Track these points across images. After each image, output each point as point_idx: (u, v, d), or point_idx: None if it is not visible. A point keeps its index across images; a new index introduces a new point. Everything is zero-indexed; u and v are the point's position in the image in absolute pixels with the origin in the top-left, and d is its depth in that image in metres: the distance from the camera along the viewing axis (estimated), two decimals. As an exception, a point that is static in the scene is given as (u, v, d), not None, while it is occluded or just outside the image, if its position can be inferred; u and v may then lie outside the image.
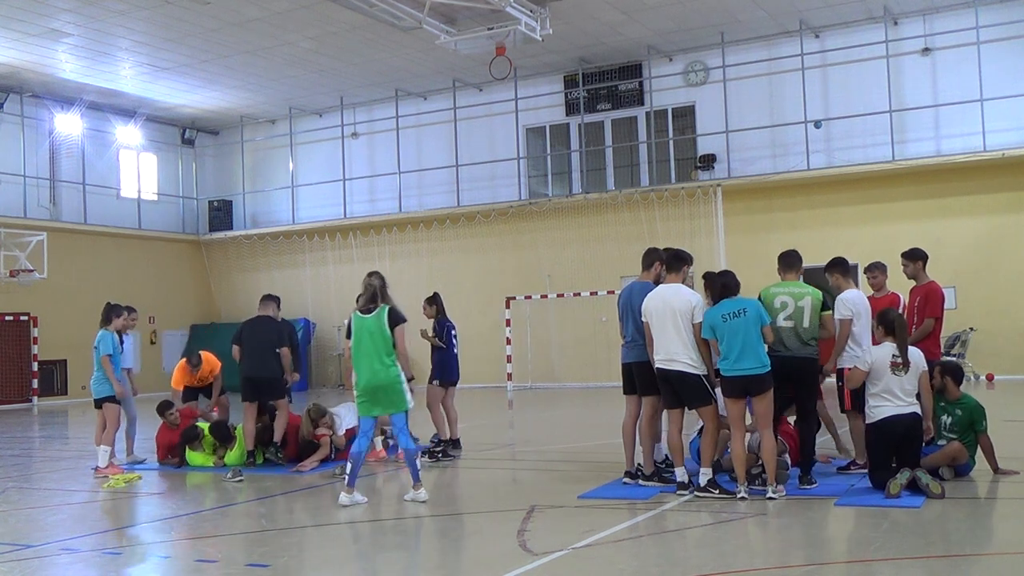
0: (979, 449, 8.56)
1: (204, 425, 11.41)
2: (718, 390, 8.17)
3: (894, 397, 8.05)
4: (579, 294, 23.68)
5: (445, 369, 11.53)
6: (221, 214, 29.33)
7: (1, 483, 10.67)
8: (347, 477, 8.40)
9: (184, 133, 29.34)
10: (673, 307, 8.14)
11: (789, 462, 8.71)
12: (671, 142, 24.21)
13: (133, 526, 8.48)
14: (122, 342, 11.18)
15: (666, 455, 8.95)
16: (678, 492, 8.17)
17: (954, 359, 17.58)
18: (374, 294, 8.54)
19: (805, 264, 8.67)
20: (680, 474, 8.26)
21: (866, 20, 21.76)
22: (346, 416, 11.12)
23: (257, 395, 10.87)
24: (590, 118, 24.73)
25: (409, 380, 8.56)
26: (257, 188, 29.40)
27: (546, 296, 24.35)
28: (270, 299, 11.36)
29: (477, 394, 22.21)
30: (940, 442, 8.52)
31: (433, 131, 26.65)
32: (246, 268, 28.79)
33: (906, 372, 8.05)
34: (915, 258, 9.77)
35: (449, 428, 11.54)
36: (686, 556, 6.45)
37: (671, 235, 21.40)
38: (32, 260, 23.33)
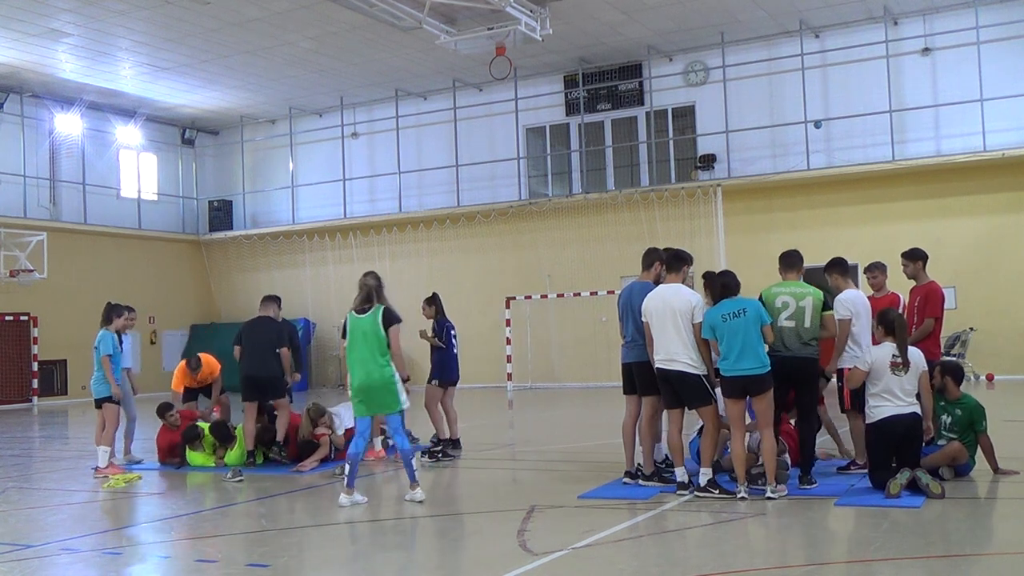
0: (979, 449, 8.56)
1: (204, 425, 11.42)
2: (718, 390, 8.17)
3: (894, 397, 8.05)
4: (579, 294, 23.68)
5: (444, 369, 11.54)
6: (221, 214, 29.34)
7: (1, 483, 10.67)
8: (346, 478, 8.40)
9: (184, 133, 29.34)
10: (673, 307, 8.14)
11: (789, 462, 8.72)
12: (671, 142, 24.21)
13: (133, 526, 8.48)
14: (121, 342, 11.19)
15: (666, 455, 8.95)
16: (678, 492, 8.17)
17: (954, 359, 17.57)
18: (369, 294, 8.53)
19: (805, 264, 8.65)
20: (680, 474, 8.26)
21: (866, 20, 21.76)
22: (346, 416, 11.10)
23: (257, 395, 10.88)
24: (590, 118, 24.72)
25: (405, 380, 8.55)
26: (257, 188, 29.41)
27: (546, 296, 24.35)
28: (271, 300, 11.38)
29: (477, 394, 22.21)
30: (940, 442, 8.52)
31: (433, 131, 26.65)
32: (246, 268, 28.80)
33: (906, 372, 8.05)
34: (915, 258, 9.76)
35: (449, 428, 11.55)
36: (686, 556, 6.45)
37: (671, 235, 21.40)
38: (32, 260, 23.33)
